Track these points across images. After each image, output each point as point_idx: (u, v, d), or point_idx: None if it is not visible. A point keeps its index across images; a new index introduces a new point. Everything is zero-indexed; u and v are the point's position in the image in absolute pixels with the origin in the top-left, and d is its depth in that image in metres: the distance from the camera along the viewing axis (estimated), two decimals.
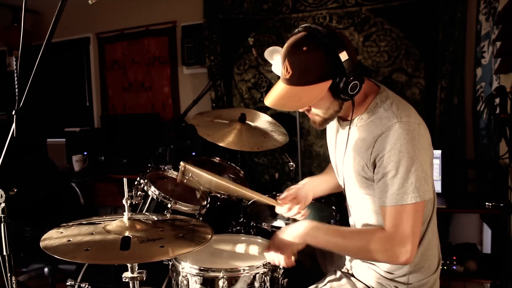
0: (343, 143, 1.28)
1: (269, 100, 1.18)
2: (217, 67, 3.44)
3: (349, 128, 1.24)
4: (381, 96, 1.20)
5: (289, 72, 1.12)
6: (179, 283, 1.37)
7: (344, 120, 1.28)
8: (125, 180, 1.22)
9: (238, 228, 1.87)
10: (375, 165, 1.16)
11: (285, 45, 1.15)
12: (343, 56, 1.07)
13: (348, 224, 1.43)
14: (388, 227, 1.12)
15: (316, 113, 1.21)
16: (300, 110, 1.20)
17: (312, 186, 1.58)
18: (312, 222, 1.26)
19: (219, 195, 1.95)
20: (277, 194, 2.13)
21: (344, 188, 1.37)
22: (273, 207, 1.58)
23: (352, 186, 1.29)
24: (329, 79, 1.10)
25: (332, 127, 1.40)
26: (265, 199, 1.51)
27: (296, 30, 1.16)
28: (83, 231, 1.17)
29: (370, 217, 1.26)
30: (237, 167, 2.30)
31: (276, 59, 2.30)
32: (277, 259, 1.28)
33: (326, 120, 1.22)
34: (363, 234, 1.21)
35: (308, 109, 1.20)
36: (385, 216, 1.14)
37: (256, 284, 1.34)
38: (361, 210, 1.30)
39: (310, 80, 1.10)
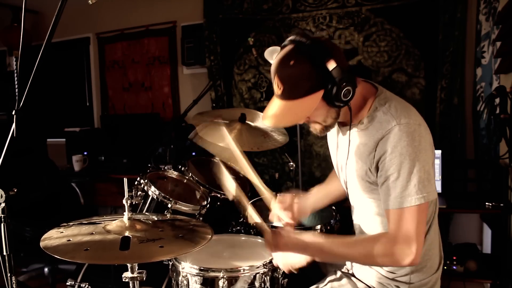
0: (345, 148, 1.28)
1: (267, 118, 1.18)
2: (217, 67, 3.44)
3: (349, 133, 1.23)
4: (379, 99, 1.19)
5: (280, 88, 1.13)
6: (179, 283, 1.37)
7: (345, 125, 1.27)
8: (125, 180, 1.22)
9: (238, 228, 1.87)
10: (378, 169, 1.16)
11: (274, 61, 1.15)
12: (331, 64, 1.06)
13: (350, 223, 1.43)
14: (392, 230, 1.12)
15: (316, 122, 1.21)
16: (300, 123, 1.19)
17: (315, 200, 1.56)
18: (316, 238, 1.22)
19: (219, 195, 1.95)
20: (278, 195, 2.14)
21: (347, 191, 1.37)
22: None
23: (356, 190, 1.29)
24: (321, 89, 1.10)
25: (333, 131, 1.39)
26: (263, 189, 1.46)
27: (284, 43, 1.17)
28: (83, 231, 1.17)
29: (374, 220, 1.27)
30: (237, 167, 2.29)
31: None
32: (282, 266, 1.28)
33: (326, 128, 1.22)
34: (367, 241, 1.20)
35: (308, 120, 1.21)
36: (389, 219, 1.14)
37: (256, 284, 1.34)
38: (365, 213, 1.30)
39: (302, 93, 1.10)
